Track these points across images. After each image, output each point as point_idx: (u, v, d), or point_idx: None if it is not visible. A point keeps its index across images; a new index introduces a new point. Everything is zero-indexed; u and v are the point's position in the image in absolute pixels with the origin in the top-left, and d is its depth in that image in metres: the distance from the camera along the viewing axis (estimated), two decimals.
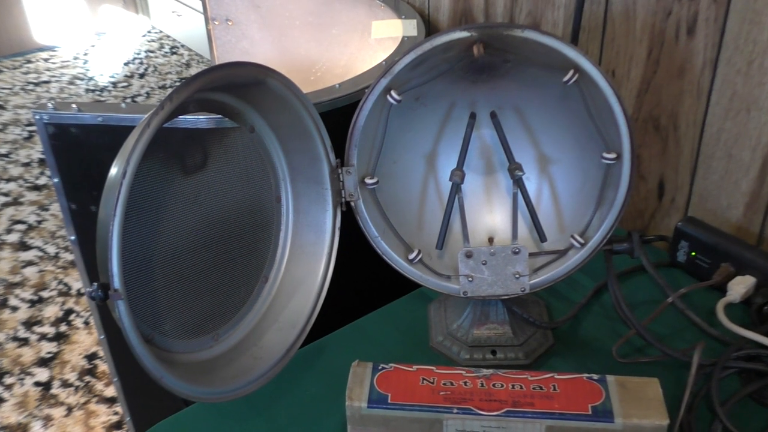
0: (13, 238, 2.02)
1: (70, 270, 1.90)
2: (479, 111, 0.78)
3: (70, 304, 1.79)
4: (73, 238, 0.98)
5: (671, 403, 0.66)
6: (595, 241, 0.72)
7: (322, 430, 0.71)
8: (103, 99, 2.72)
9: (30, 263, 1.93)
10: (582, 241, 0.73)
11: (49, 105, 0.89)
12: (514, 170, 0.74)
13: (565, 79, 0.69)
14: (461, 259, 0.74)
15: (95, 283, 0.56)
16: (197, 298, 0.70)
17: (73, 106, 0.89)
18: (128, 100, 2.70)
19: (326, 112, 0.87)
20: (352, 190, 0.74)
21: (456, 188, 0.75)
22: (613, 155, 0.70)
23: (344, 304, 0.88)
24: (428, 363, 0.68)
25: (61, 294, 1.82)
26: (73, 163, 0.93)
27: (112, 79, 2.86)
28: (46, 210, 2.13)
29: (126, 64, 2.99)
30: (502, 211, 0.80)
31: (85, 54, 3.09)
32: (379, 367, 0.67)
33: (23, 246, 1.99)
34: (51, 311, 1.77)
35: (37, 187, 2.24)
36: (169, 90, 2.47)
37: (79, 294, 1.81)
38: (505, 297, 0.74)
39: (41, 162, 2.36)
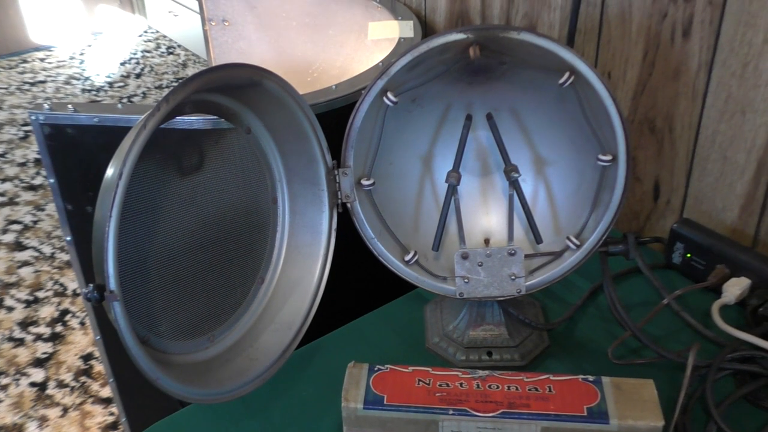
0: (8, 238, 2.02)
1: (65, 270, 1.90)
2: (475, 113, 0.78)
3: (66, 304, 1.78)
4: (69, 238, 0.98)
5: (666, 405, 0.67)
6: (591, 243, 0.73)
7: (318, 431, 0.71)
8: (99, 99, 2.72)
9: (26, 263, 1.93)
10: (578, 242, 0.73)
11: (45, 105, 0.89)
12: (510, 172, 0.75)
13: (561, 81, 0.69)
14: (457, 260, 0.74)
15: (91, 285, 0.56)
16: (193, 300, 0.70)
17: (69, 106, 0.89)
18: (125, 100, 2.69)
19: (323, 114, 0.87)
20: (349, 191, 0.75)
21: (452, 190, 0.75)
22: (608, 157, 0.71)
23: (340, 306, 0.88)
24: (424, 364, 0.68)
25: (56, 294, 1.82)
26: (69, 164, 0.93)
27: (109, 79, 2.86)
28: (42, 210, 2.13)
29: (122, 64, 2.99)
30: (498, 212, 0.80)
31: (82, 54, 3.09)
32: (375, 369, 0.67)
33: (19, 246, 1.99)
34: (47, 311, 1.76)
35: (32, 187, 2.23)
36: (166, 90, 2.47)
37: (75, 294, 1.81)
38: (501, 298, 0.75)
39: (37, 162, 2.36)
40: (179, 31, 3.11)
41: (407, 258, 0.75)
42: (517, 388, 0.64)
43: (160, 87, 2.80)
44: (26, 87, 2.83)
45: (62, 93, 2.76)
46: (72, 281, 1.86)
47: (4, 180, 2.27)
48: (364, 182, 0.75)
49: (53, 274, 1.89)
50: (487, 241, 0.80)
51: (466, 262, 0.74)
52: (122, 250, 0.58)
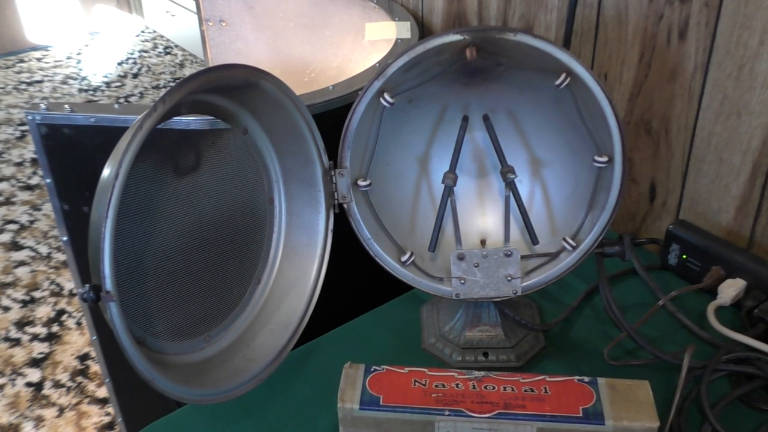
0: (5, 237, 2.02)
1: (62, 270, 1.90)
2: (472, 114, 0.78)
3: (62, 304, 1.78)
4: (65, 238, 0.98)
5: (661, 406, 0.67)
6: (587, 244, 0.73)
7: (314, 431, 0.71)
8: (96, 99, 2.71)
9: (22, 263, 1.92)
10: (574, 243, 0.73)
11: (42, 105, 0.89)
12: (507, 173, 0.75)
13: (558, 82, 0.69)
14: (453, 261, 0.74)
15: (87, 285, 0.56)
16: (189, 300, 0.70)
17: (66, 106, 0.89)
18: (121, 100, 2.69)
19: (319, 114, 0.87)
20: (345, 192, 0.75)
21: (448, 191, 0.75)
22: (604, 158, 0.71)
23: (337, 306, 0.88)
24: (420, 365, 0.68)
25: (53, 294, 1.81)
26: (65, 164, 0.93)
27: (106, 79, 2.86)
28: (39, 210, 2.13)
29: (119, 64, 2.98)
30: (494, 213, 0.81)
31: (79, 54, 3.09)
32: (372, 369, 0.67)
33: (15, 246, 1.99)
34: (43, 311, 1.76)
35: (29, 187, 2.23)
36: (163, 90, 2.47)
37: (72, 294, 1.81)
38: (497, 299, 0.75)
39: (33, 162, 2.35)
40: (176, 31, 3.11)
41: (404, 259, 0.75)
42: (512, 389, 0.65)
43: (157, 87, 2.80)
44: (23, 87, 2.83)
45: (59, 93, 2.76)
46: (68, 281, 1.86)
47: (0, 180, 2.26)
48: (361, 183, 0.75)
49: (49, 274, 1.89)
50: (483, 242, 0.80)
51: (463, 263, 0.74)
52: (118, 251, 0.58)
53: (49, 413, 1.49)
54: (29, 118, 0.89)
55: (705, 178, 0.92)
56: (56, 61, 3.02)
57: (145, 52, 3.07)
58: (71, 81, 2.85)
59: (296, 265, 0.77)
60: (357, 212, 0.75)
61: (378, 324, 0.84)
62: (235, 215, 0.74)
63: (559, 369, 0.77)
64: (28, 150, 2.41)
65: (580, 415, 0.62)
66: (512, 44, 0.68)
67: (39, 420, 1.48)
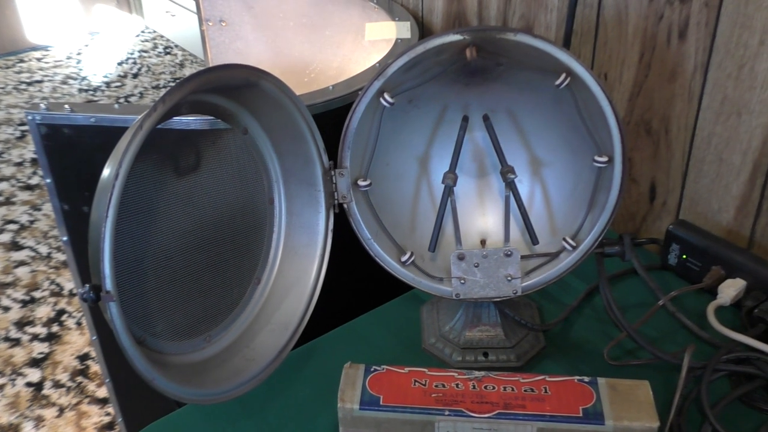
0: (5, 237, 2.02)
1: (62, 270, 1.90)
2: (472, 114, 0.78)
3: (62, 304, 1.78)
4: (65, 238, 0.98)
5: (661, 406, 0.67)
6: (587, 244, 0.73)
7: (314, 431, 0.71)
8: (96, 99, 2.71)
9: (22, 263, 1.92)
10: (574, 243, 0.73)
11: (42, 105, 0.89)
12: (507, 173, 0.75)
13: (558, 82, 0.69)
14: (453, 261, 0.74)
15: (87, 285, 0.56)
16: (189, 300, 0.70)
17: (66, 106, 0.89)
18: (121, 100, 2.69)
19: (319, 114, 0.87)
20: (345, 192, 0.75)
21: (448, 191, 0.75)
22: (604, 158, 0.71)
23: (337, 306, 0.88)
24: (420, 365, 0.68)
25: (53, 294, 1.81)
26: (65, 164, 0.93)
27: (106, 79, 2.86)
28: (39, 210, 2.13)
29: (119, 63, 2.98)
30: (494, 213, 0.81)
31: (79, 54, 3.09)
32: (372, 369, 0.67)
33: (15, 246, 1.99)
34: (43, 311, 1.76)
35: (29, 187, 2.23)
36: (163, 90, 2.47)
37: (72, 294, 1.81)
38: (497, 299, 0.75)
39: (34, 162, 2.35)
40: (176, 31, 3.11)
41: (404, 259, 0.75)
42: (512, 389, 0.65)
43: (157, 87, 2.80)
44: (23, 87, 2.83)
45: (59, 93, 2.76)
46: (68, 281, 1.86)
47: (0, 180, 2.26)
48: (361, 183, 0.75)
49: (49, 274, 1.89)
50: (483, 242, 0.80)
51: (463, 263, 0.74)
52: (118, 251, 0.58)
53: (49, 413, 1.49)
54: (29, 118, 0.89)
55: (705, 178, 0.92)
56: (56, 61, 3.02)
57: (145, 52, 3.08)
58: (71, 81, 2.85)
59: (296, 265, 0.77)
60: (357, 212, 0.75)
61: (378, 324, 0.84)
62: (235, 215, 0.74)
63: (559, 369, 0.77)
64: (28, 150, 2.41)
65: (580, 415, 0.62)
66: (512, 44, 0.68)
67: (39, 420, 1.48)
